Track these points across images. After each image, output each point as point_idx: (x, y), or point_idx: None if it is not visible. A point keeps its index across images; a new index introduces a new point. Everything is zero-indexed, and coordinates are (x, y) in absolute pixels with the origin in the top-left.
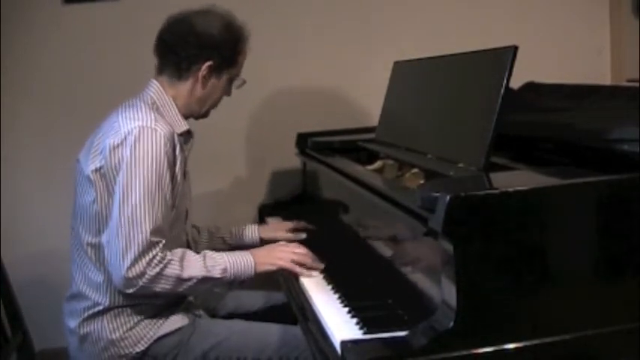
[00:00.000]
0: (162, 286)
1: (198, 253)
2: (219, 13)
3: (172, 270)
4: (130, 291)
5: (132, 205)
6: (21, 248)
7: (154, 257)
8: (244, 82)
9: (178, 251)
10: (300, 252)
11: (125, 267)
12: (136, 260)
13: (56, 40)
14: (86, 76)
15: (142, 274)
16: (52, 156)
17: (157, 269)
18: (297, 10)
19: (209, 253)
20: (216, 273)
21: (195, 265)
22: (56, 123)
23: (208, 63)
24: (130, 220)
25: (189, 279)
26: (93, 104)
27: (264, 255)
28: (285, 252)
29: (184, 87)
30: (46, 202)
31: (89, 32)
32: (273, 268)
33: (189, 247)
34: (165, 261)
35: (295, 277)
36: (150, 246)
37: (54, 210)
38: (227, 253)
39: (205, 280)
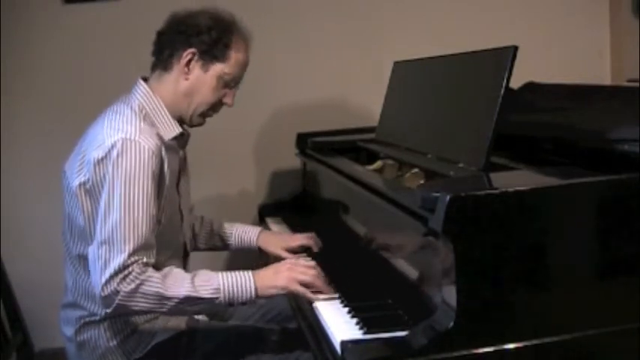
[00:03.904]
0: (142, 304)
1: (197, 246)
2: (215, 10)
3: (151, 287)
4: (109, 310)
5: (112, 223)
6: (21, 249)
7: (129, 274)
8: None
9: (166, 268)
10: (310, 273)
11: (101, 285)
12: (111, 278)
13: (56, 40)
14: (86, 76)
15: (117, 291)
16: (52, 156)
17: (132, 286)
18: (297, 11)
19: (202, 272)
20: (206, 293)
21: (181, 283)
22: (56, 123)
23: (190, 50)
24: (109, 239)
25: (172, 297)
26: (93, 104)
27: (269, 277)
28: (295, 272)
29: (170, 79)
30: (45, 202)
31: (89, 32)
32: (282, 292)
33: (186, 249)
34: (142, 277)
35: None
36: (127, 263)
37: (54, 210)
38: (226, 272)
39: (192, 299)
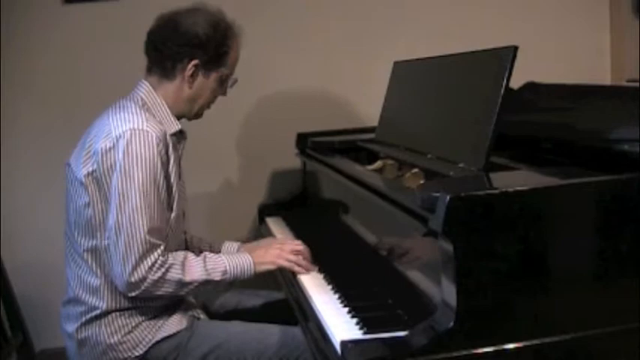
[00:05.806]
0: (165, 289)
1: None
2: (207, 12)
3: (174, 274)
4: (133, 294)
5: (129, 210)
6: (21, 249)
7: (155, 261)
8: (236, 80)
9: (180, 254)
10: (296, 249)
11: (127, 272)
12: (137, 264)
13: (56, 40)
14: (86, 76)
15: (144, 278)
16: (52, 156)
17: (159, 273)
18: (297, 10)
19: (209, 256)
20: (216, 276)
21: (197, 268)
22: (56, 123)
23: (194, 62)
24: (129, 225)
25: (191, 283)
26: (93, 104)
27: (262, 254)
28: (283, 250)
29: (172, 87)
30: (46, 203)
31: (89, 32)
32: (273, 267)
33: (187, 246)
34: (166, 265)
35: (293, 274)
36: (150, 249)
37: (54, 210)
38: (227, 255)
39: (206, 282)
